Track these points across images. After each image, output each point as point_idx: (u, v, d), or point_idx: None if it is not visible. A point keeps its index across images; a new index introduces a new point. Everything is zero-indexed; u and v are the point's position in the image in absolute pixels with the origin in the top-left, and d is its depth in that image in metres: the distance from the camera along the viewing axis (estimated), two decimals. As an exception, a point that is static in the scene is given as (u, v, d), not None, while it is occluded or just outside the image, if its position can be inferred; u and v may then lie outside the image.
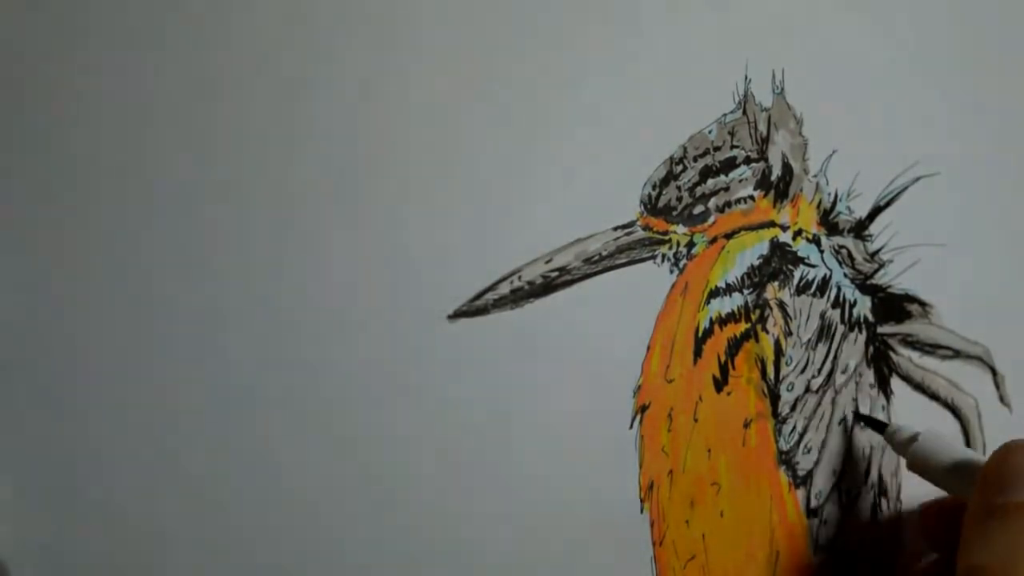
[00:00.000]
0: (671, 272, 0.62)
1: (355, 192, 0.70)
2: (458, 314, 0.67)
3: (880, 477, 0.59)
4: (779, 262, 0.60)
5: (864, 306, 0.59)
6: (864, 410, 0.58)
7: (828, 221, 0.60)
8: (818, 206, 0.60)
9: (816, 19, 0.59)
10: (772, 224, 0.60)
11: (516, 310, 0.66)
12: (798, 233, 0.60)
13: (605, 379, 0.64)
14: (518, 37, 0.65)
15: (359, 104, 0.70)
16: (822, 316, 0.59)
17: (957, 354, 0.58)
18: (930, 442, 0.53)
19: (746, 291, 0.60)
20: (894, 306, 0.59)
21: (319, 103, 0.70)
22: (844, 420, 0.59)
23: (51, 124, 0.76)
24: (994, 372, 0.58)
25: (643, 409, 0.63)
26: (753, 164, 0.60)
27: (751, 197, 0.60)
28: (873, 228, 0.59)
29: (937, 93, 0.58)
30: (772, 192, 0.60)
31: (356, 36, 0.69)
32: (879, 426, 0.55)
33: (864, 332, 0.59)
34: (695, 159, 0.61)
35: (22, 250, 0.78)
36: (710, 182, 0.61)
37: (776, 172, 0.60)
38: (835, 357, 0.59)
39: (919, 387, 0.58)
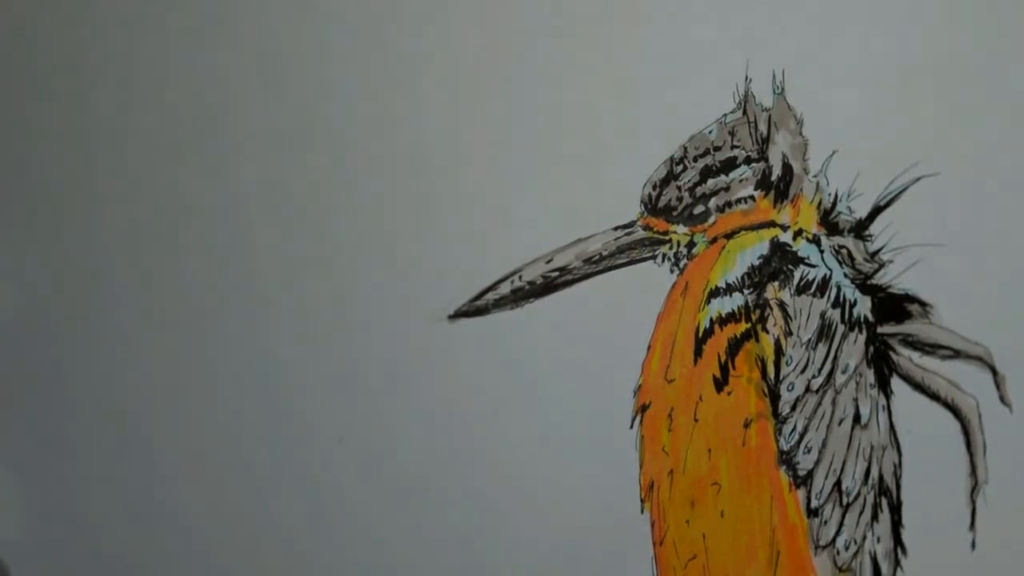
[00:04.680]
0: (671, 272, 0.62)
1: (355, 193, 0.70)
2: (458, 314, 0.68)
3: (880, 477, 0.59)
4: (779, 262, 0.60)
5: (864, 306, 0.59)
6: (864, 410, 0.58)
7: (828, 221, 0.60)
8: (818, 206, 0.60)
9: (816, 20, 0.59)
10: (772, 224, 0.60)
11: (516, 310, 0.66)
12: (798, 233, 0.60)
13: (605, 379, 0.64)
14: (519, 40, 0.65)
15: (360, 107, 0.70)
16: (822, 316, 0.59)
17: (957, 354, 0.58)
18: None
19: (746, 291, 0.60)
20: (894, 306, 0.59)
21: (319, 105, 0.70)
22: (844, 420, 0.59)
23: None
24: (994, 372, 0.57)
25: (643, 409, 0.63)
26: (753, 164, 0.60)
27: (751, 197, 0.60)
28: (873, 228, 0.59)
29: (937, 94, 0.58)
30: (772, 192, 0.60)
31: (359, 40, 0.69)
32: None
33: (864, 332, 0.59)
34: (695, 159, 0.61)
35: (26, 250, 0.78)
36: (710, 182, 0.61)
37: (776, 172, 0.60)
38: (835, 357, 0.59)
39: (919, 387, 0.58)
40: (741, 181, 0.60)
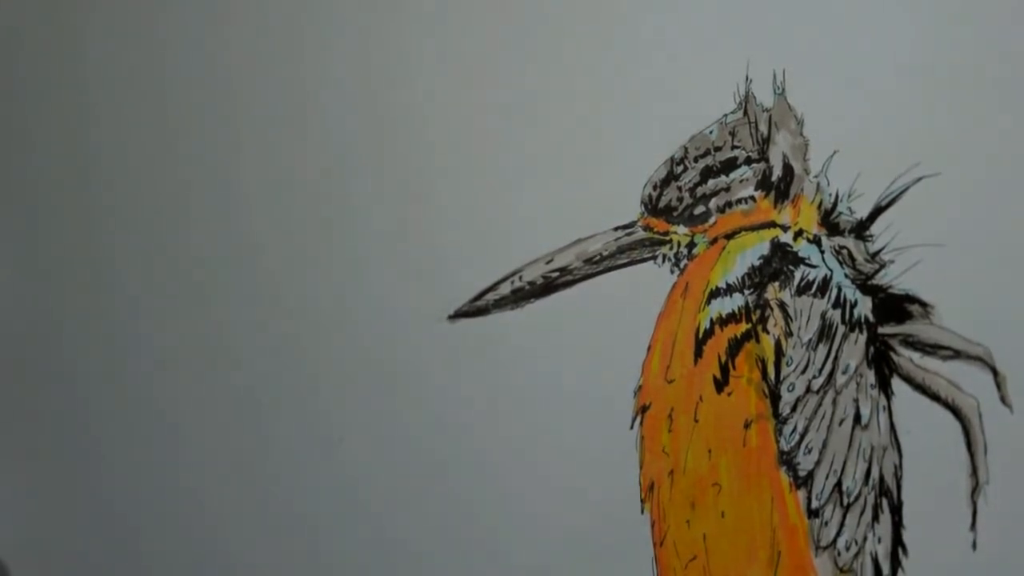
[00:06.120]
0: (672, 272, 0.62)
1: (355, 193, 0.70)
2: (458, 314, 0.67)
3: (881, 477, 0.59)
4: (780, 262, 0.60)
5: (865, 306, 0.59)
6: (864, 411, 0.58)
7: (829, 221, 0.59)
8: (819, 206, 0.59)
9: (817, 21, 0.59)
10: (773, 224, 0.60)
11: (517, 310, 0.66)
12: (799, 234, 0.60)
13: (605, 379, 0.64)
14: (519, 39, 0.65)
15: (360, 106, 0.69)
16: (823, 316, 0.59)
17: (958, 354, 0.58)
18: None
19: (747, 291, 0.60)
20: (895, 306, 0.59)
21: (320, 105, 0.70)
22: (845, 420, 0.59)
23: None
24: (995, 372, 0.57)
25: (644, 409, 0.63)
26: (754, 164, 0.60)
27: (752, 197, 0.60)
28: (874, 228, 0.59)
29: (938, 94, 0.58)
30: (773, 192, 0.60)
31: (359, 38, 0.69)
32: None
33: (865, 332, 0.59)
34: (696, 159, 0.61)
35: (26, 249, 0.78)
36: (711, 182, 0.61)
37: (777, 172, 0.60)
38: (836, 357, 0.59)
39: (920, 388, 0.58)
40: (742, 181, 0.60)
